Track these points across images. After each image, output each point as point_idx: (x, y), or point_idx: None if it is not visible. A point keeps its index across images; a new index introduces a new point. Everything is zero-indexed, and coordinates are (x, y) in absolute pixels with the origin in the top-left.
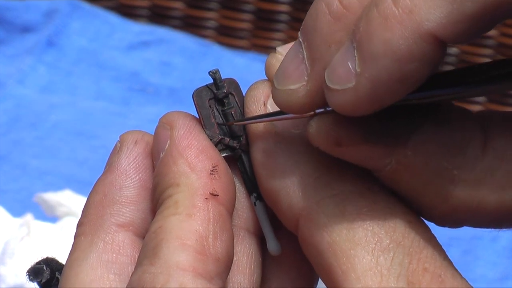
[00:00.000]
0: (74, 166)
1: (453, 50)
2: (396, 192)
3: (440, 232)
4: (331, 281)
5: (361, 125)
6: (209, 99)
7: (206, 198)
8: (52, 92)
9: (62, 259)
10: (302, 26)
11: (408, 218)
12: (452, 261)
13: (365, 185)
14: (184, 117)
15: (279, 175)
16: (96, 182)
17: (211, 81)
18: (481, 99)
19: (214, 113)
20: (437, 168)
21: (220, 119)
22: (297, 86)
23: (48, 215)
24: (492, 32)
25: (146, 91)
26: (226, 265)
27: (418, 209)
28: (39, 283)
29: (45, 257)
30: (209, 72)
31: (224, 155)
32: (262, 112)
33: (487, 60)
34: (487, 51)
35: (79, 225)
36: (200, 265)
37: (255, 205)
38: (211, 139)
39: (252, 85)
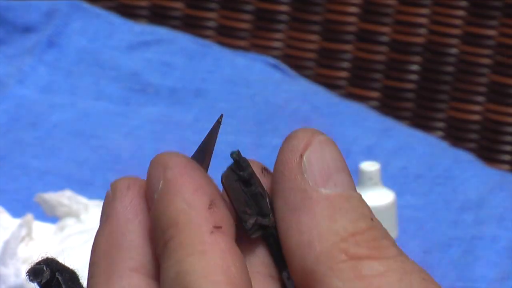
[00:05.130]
0: (74, 166)
1: (453, 50)
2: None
3: (440, 232)
4: None
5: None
6: (235, 181)
7: (211, 232)
8: (52, 92)
9: (62, 260)
10: None
11: (422, 275)
12: (452, 261)
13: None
14: (177, 156)
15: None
16: (96, 234)
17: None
18: (481, 99)
19: (242, 195)
20: None
21: (249, 200)
22: None
23: (49, 215)
24: (492, 32)
25: (146, 91)
26: None
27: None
28: (39, 284)
29: (45, 257)
30: (231, 155)
31: (256, 235)
32: (297, 162)
33: (487, 60)
34: (487, 51)
35: (90, 278)
36: None
37: (287, 280)
38: (245, 222)
39: (292, 132)
